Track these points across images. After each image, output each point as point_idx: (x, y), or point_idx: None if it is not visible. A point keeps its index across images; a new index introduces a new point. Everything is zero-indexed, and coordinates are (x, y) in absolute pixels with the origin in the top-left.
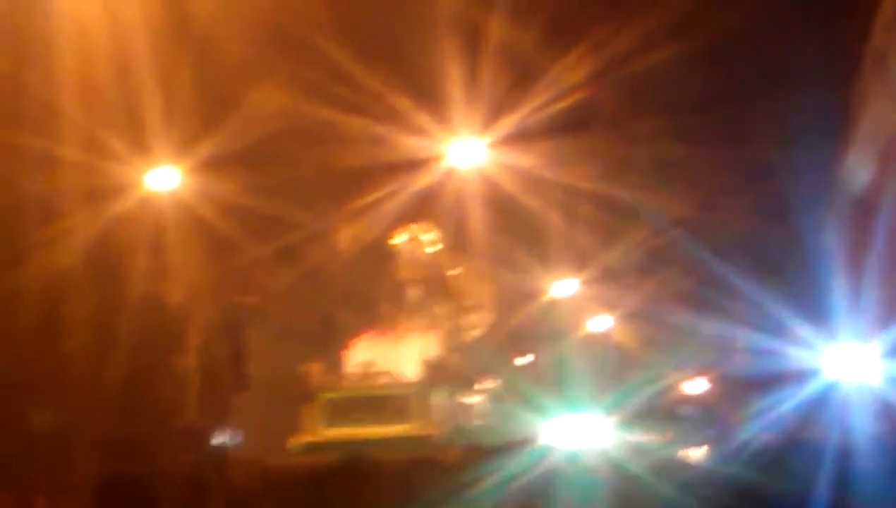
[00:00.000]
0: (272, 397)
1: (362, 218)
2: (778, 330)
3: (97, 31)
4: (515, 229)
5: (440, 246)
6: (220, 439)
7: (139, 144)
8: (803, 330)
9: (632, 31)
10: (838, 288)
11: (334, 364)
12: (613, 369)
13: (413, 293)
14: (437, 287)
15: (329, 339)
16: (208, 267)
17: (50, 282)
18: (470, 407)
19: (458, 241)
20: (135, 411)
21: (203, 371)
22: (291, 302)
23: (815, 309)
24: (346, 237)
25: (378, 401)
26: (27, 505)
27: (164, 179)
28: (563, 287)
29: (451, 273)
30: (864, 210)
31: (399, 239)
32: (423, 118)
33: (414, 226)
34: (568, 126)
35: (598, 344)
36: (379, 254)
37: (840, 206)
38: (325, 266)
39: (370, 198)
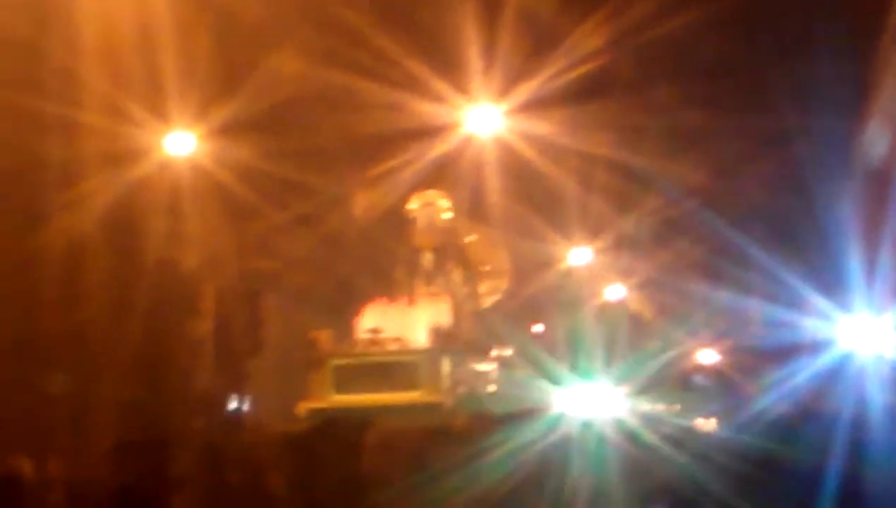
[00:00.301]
0: (288, 363)
1: (380, 184)
2: (793, 301)
3: None
4: (532, 197)
5: (455, 212)
6: (235, 404)
7: (157, 109)
8: (818, 300)
9: None
10: (854, 260)
11: (344, 330)
12: (627, 338)
13: (427, 259)
14: (452, 253)
15: (346, 305)
16: (225, 233)
17: (68, 247)
18: (482, 374)
19: (474, 209)
20: (150, 376)
21: (219, 336)
22: (309, 268)
23: (831, 281)
24: (364, 203)
25: (387, 368)
26: (43, 468)
27: (181, 144)
28: (578, 255)
29: (466, 239)
30: (881, 181)
31: (414, 204)
32: (440, 85)
33: (429, 192)
34: (584, 93)
35: (612, 312)
36: (395, 221)
37: (857, 177)
38: (343, 232)
39: (388, 165)
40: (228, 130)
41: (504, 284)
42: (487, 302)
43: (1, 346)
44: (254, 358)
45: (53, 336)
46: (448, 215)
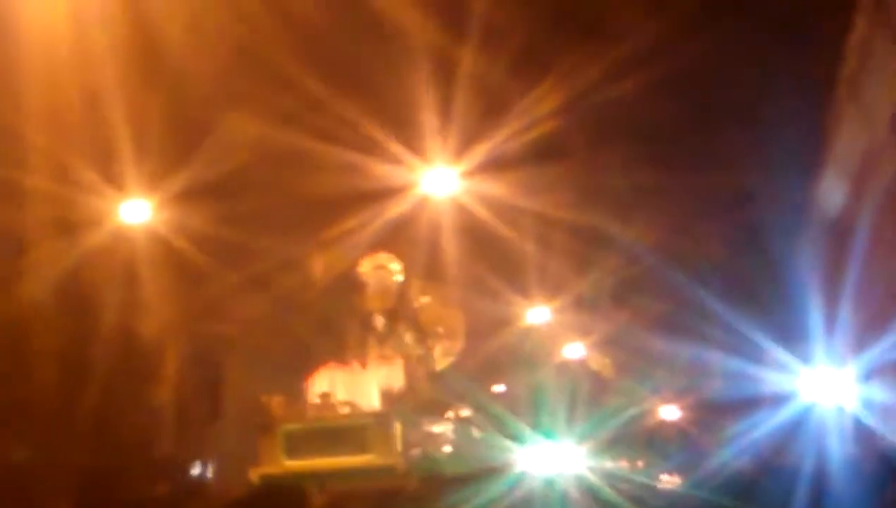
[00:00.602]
0: (248, 427)
1: (336, 246)
2: (753, 354)
3: (65, 58)
4: (489, 257)
5: (406, 275)
6: (196, 469)
7: (110, 176)
8: (779, 353)
9: (602, 59)
10: (814, 312)
11: (296, 394)
12: (587, 396)
13: (379, 322)
14: (404, 315)
15: (303, 368)
16: (181, 298)
17: (22, 315)
18: (437, 436)
19: (431, 269)
20: (110, 442)
21: (178, 401)
22: (265, 330)
23: (791, 333)
24: (320, 265)
25: (338, 432)
26: None
27: (135, 211)
28: (536, 314)
29: (418, 301)
30: (838, 233)
31: (365, 267)
32: (396, 147)
33: (380, 255)
34: (540, 154)
35: (571, 371)
36: (350, 283)
37: (814, 230)
38: (300, 294)
39: (344, 226)
40: (183, 195)
41: (458, 346)
42: (442, 363)
43: None
44: (214, 422)
45: (6, 404)
46: (399, 278)
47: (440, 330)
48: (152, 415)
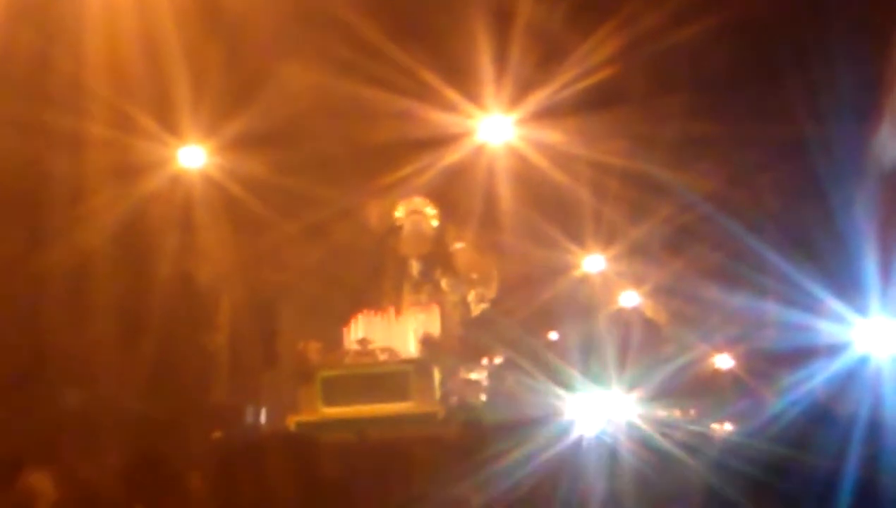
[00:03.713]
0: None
1: (391, 193)
2: (808, 304)
3: (126, 8)
4: (544, 205)
5: (441, 220)
6: (251, 417)
7: (167, 122)
8: (834, 303)
9: (660, 6)
10: (869, 263)
11: (335, 341)
12: (641, 344)
13: (414, 267)
14: (440, 261)
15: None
16: (237, 245)
17: (79, 262)
18: (476, 383)
19: (486, 217)
20: (165, 390)
21: (233, 349)
22: (320, 279)
23: (846, 284)
24: (376, 213)
25: (376, 379)
26: (58, 484)
27: (192, 157)
28: (591, 262)
29: (456, 246)
30: (895, 185)
31: (400, 212)
32: (451, 94)
33: (416, 200)
34: (596, 103)
35: (625, 319)
36: (387, 228)
37: (871, 180)
38: (355, 242)
39: (399, 174)
40: (239, 143)
41: (492, 292)
42: (476, 309)
43: (14, 363)
44: (269, 370)
45: (66, 352)
46: (435, 223)
47: (474, 276)
48: (208, 362)
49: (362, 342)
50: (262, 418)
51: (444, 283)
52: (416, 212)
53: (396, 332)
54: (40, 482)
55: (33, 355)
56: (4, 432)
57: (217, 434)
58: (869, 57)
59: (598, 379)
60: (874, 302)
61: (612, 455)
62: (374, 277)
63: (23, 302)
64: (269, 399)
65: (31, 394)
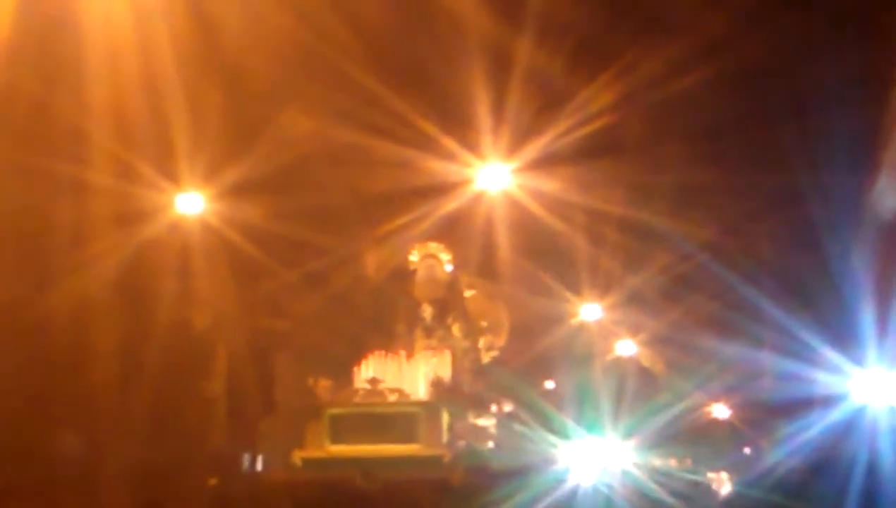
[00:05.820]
0: (298, 422)
1: (390, 241)
2: (805, 355)
3: (126, 55)
4: (542, 253)
5: (455, 266)
6: (248, 464)
7: (167, 169)
8: (831, 354)
9: (658, 55)
10: (866, 313)
11: (344, 380)
12: (637, 392)
13: (427, 312)
14: (452, 306)
15: (355, 364)
16: (235, 293)
17: (78, 308)
18: (483, 429)
19: (484, 265)
20: (163, 436)
21: (231, 396)
22: (318, 327)
23: (843, 334)
24: (375, 261)
25: (385, 419)
26: None
27: (192, 204)
28: (588, 311)
29: (467, 293)
30: (892, 234)
31: (414, 256)
32: (450, 143)
33: (430, 245)
34: (593, 151)
35: (622, 368)
36: (401, 276)
37: (868, 231)
38: (353, 290)
39: (398, 222)
40: (238, 190)
41: (501, 340)
42: (486, 357)
43: (12, 409)
44: (266, 416)
45: (65, 398)
46: (449, 268)
47: (484, 323)
48: (206, 409)
49: (372, 381)
50: (259, 465)
51: (455, 329)
52: (430, 257)
53: (407, 374)
54: None
55: (33, 399)
56: (3, 476)
57: (214, 481)
58: (866, 107)
59: (594, 427)
60: (871, 352)
61: (608, 503)
62: (376, 326)
63: (22, 347)
64: (267, 445)
65: (30, 439)
